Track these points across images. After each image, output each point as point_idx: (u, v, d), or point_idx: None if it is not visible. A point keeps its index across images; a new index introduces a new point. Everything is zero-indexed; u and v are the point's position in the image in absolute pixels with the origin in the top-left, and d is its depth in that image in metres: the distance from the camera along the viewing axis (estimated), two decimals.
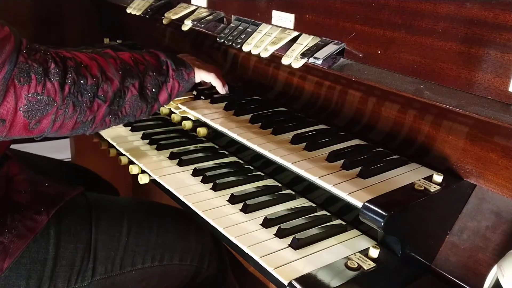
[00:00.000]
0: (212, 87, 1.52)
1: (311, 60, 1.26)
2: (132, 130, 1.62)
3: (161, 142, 1.53)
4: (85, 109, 1.11)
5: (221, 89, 1.49)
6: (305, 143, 1.23)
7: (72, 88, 1.07)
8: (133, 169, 1.46)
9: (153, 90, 1.25)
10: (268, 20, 1.44)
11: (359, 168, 1.11)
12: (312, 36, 1.32)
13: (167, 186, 1.32)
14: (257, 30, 1.45)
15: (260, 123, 1.34)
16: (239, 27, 1.51)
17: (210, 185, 1.31)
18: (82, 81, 1.09)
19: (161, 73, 1.28)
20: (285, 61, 1.31)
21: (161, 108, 1.51)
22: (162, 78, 1.27)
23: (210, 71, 1.44)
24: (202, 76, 1.41)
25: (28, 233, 1.17)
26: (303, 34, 1.35)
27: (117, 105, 1.17)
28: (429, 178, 1.08)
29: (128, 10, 1.96)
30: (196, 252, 1.40)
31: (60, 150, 2.92)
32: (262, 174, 1.41)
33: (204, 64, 1.46)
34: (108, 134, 1.58)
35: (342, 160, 1.15)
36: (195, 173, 1.37)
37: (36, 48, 1.05)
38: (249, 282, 1.68)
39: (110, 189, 1.83)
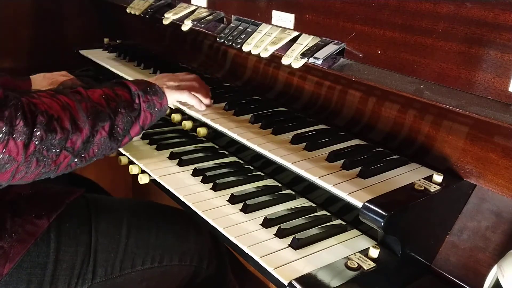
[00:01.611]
0: (217, 88, 1.52)
1: (311, 60, 1.26)
2: None
3: (161, 142, 1.53)
4: (50, 163, 1.07)
5: (198, 106, 1.42)
6: (305, 143, 1.23)
7: (38, 146, 1.02)
8: (133, 169, 1.46)
9: (125, 128, 1.21)
10: (268, 20, 1.44)
11: (359, 168, 1.11)
12: (312, 36, 1.32)
13: (167, 186, 1.32)
14: (257, 30, 1.45)
15: (260, 123, 1.34)
16: (239, 27, 1.51)
17: (210, 185, 1.31)
18: (50, 137, 1.04)
19: (133, 108, 1.22)
20: (285, 61, 1.31)
21: None
22: (134, 113, 1.22)
23: (183, 90, 1.37)
24: (176, 98, 1.36)
25: (29, 238, 1.16)
26: (303, 34, 1.35)
27: (84, 149, 1.13)
28: (429, 178, 1.08)
29: (128, 10, 1.96)
30: (195, 252, 1.40)
31: None
32: (262, 174, 1.41)
33: (179, 81, 1.40)
34: None
35: (342, 160, 1.15)
36: (195, 173, 1.37)
37: (8, 103, 0.99)
38: (250, 282, 1.67)
39: (101, 191, 1.82)
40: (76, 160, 1.12)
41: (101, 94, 1.19)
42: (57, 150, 1.06)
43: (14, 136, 0.98)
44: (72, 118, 1.09)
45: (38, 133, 1.02)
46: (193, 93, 1.41)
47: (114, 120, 1.18)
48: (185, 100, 1.39)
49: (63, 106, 1.09)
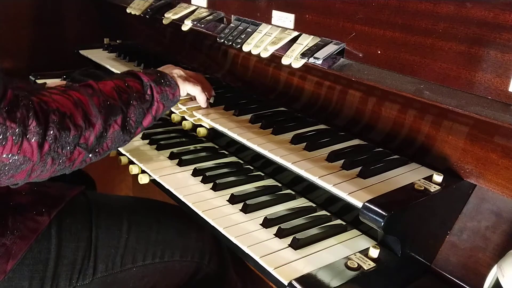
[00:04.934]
0: (217, 88, 1.51)
1: (311, 60, 1.26)
2: None
3: (161, 142, 1.53)
4: (65, 160, 1.06)
5: (203, 103, 1.41)
6: (305, 143, 1.23)
7: (52, 145, 1.02)
8: (133, 169, 1.46)
9: (137, 120, 1.20)
10: (268, 20, 1.44)
11: (359, 168, 1.11)
12: (312, 36, 1.32)
13: (167, 186, 1.32)
14: (257, 30, 1.45)
15: (260, 123, 1.34)
16: (239, 27, 1.51)
17: (210, 185, 1.31)
18: (64, 135, 1.03)
19: (145, 99, 1.22)
20: (285, 61, 1.31)
21: None
22: (146, 104, 1.22)
23: (196, 84, 1.37)
24: (188, 89, 1.35)
25: (30, 234, 1.17)
26: (303, 34, 1.35)
27: (98, 144, 1.13)
28: (429, 178, 1.08)
29: (128, 10, 1.96)
30: (197, 248, 1.40)
31: None
32: (262, 174, 1.41)
33: (188, 75, 1.39)
34: None
35: (342, 160, 1.15)
36: (195, 173, 1.37)
37: (19, 103, 0.97)
38: (251, 278, 1.68)
39: (88, 182, 1.81)
40: (90, 155, 1.12)
41: (113, 86, 1.18)
42: (71, 148, 1.06)
43: (27, 136, 0.97)
44: (84, 114, 1.09)
45: (52, 132, 1.01)
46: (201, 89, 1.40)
47: (127, 113, 1.18)
48: (195, 94, 1.38)
49: (75, 102, 1.08)
